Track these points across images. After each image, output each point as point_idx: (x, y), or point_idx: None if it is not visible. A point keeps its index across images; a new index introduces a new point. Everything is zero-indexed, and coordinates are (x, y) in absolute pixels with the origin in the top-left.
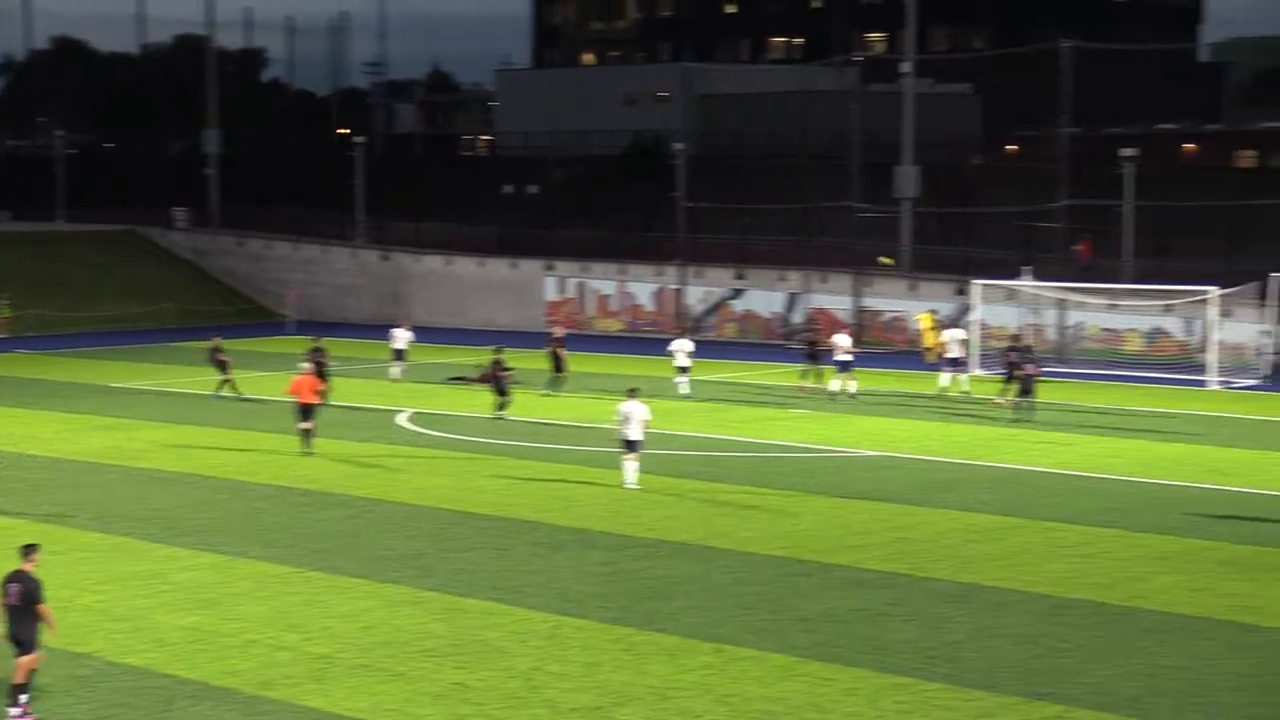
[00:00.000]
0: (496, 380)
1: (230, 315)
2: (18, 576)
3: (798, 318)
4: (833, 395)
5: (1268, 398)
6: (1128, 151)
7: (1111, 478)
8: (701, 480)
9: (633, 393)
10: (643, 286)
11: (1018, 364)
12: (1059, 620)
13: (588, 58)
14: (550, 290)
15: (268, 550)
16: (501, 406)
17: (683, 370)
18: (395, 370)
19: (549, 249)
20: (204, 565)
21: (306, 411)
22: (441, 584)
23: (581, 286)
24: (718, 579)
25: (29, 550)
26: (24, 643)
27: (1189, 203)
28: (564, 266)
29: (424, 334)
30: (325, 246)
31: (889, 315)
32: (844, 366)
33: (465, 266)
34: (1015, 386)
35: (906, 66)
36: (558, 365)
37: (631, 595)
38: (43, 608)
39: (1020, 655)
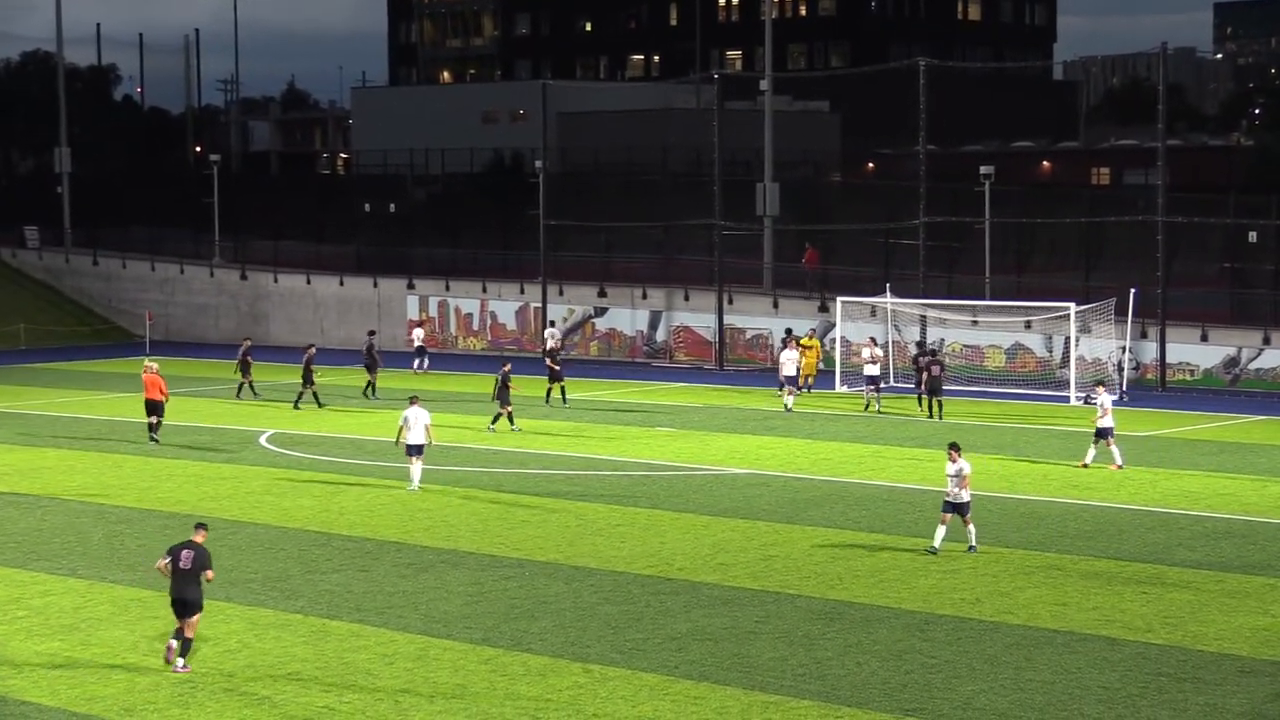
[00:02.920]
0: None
1: (86, 336)
2: (190, 545)
3: (661, 335)
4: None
5: (1127, 413)
6: (986, 169)
7: (977, 493)
8: (568, 499)
9: (414, 400)
10: (505, 305)
11: (925, 366)
12: (927, 636)
13: (445, 75)
14: (412, 309)
15: (129, 574)
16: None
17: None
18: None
19: (410, 268)
20: (63, 590)
21: (153, 408)
22: (307, 606)
23: (444, 305)
24: (586, 598)
25: (199, 527)
26: (191, 604)
27: (1046, 220)
28: (425, 285)
29: (284, 354)
30: (182, 266)
31: (752, 333)
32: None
33: (325, 285)
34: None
35: (765, 84)
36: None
37: (499, 615)
38: (209, 573)
39: (889, 672)
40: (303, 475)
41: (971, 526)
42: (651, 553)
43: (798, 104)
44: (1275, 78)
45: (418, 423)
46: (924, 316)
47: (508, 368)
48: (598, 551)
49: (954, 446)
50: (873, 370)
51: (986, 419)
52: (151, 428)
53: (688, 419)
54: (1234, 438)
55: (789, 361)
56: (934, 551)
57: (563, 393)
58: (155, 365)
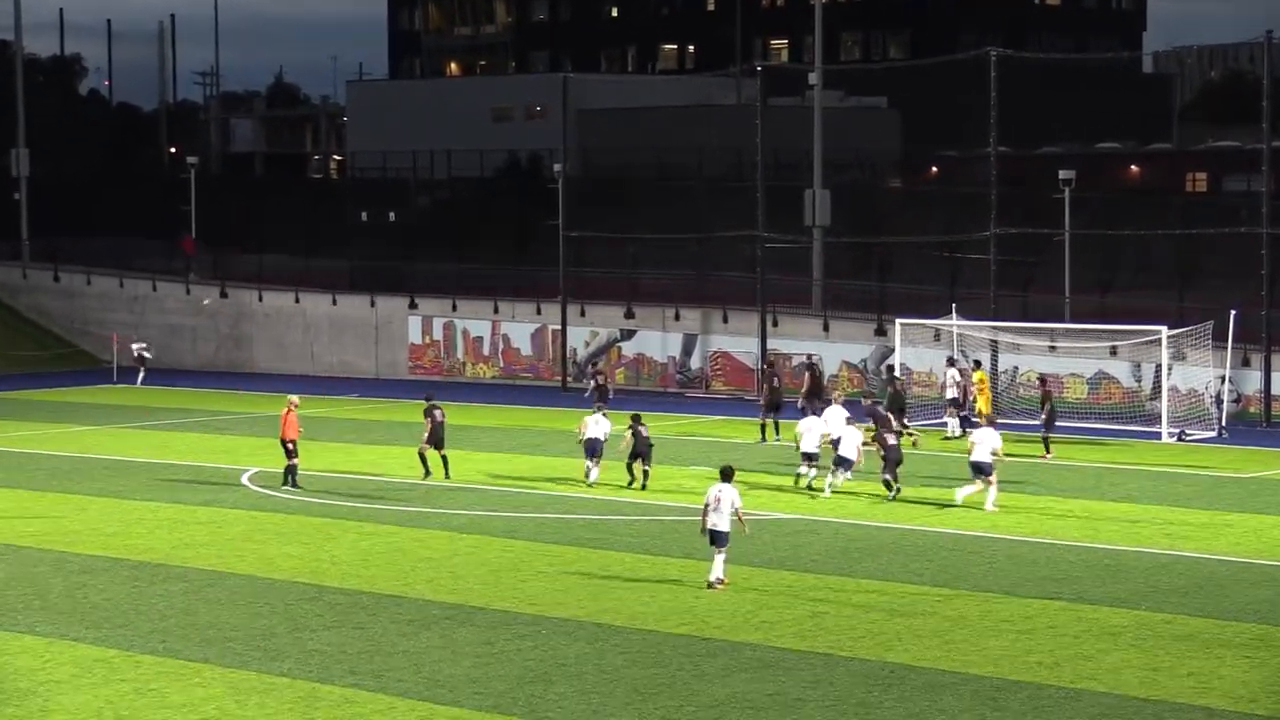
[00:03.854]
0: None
1: (45, 361)
2: None
3: (696, 362)
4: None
5: (1225, 451)
6: (1065, 174)
7: (1054, 542)
8: (590, 548)
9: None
10: (519, 327)
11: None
12: (999, 705)
13: (453, 68)
14: (414, 331)
15: (93, 631)
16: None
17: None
18: None
19: (412, 285)
20: (18, 650)
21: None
22: (293, 669)
23: (449, 327)
24: (610, 660)
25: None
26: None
27: (1134, 231)
28: (429, 304)
29: (268, 382)
30: (155, 282)
31: (799, 359)
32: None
33: (316, 304)
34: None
35: (815, 77)
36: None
37: (512, 679)
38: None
39: None
40: (290, 519)
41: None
42: (685, 609)
43: (851, 100)
44: None
45: (598, 426)
46: (995, 341)
47: (438, 412)
48: (623, 607)
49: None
50: (952, 394)
51: (1066, 457)
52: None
53: (726, 456)
54: None
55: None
56: None
57: (776, 428)
58: (297, 400)
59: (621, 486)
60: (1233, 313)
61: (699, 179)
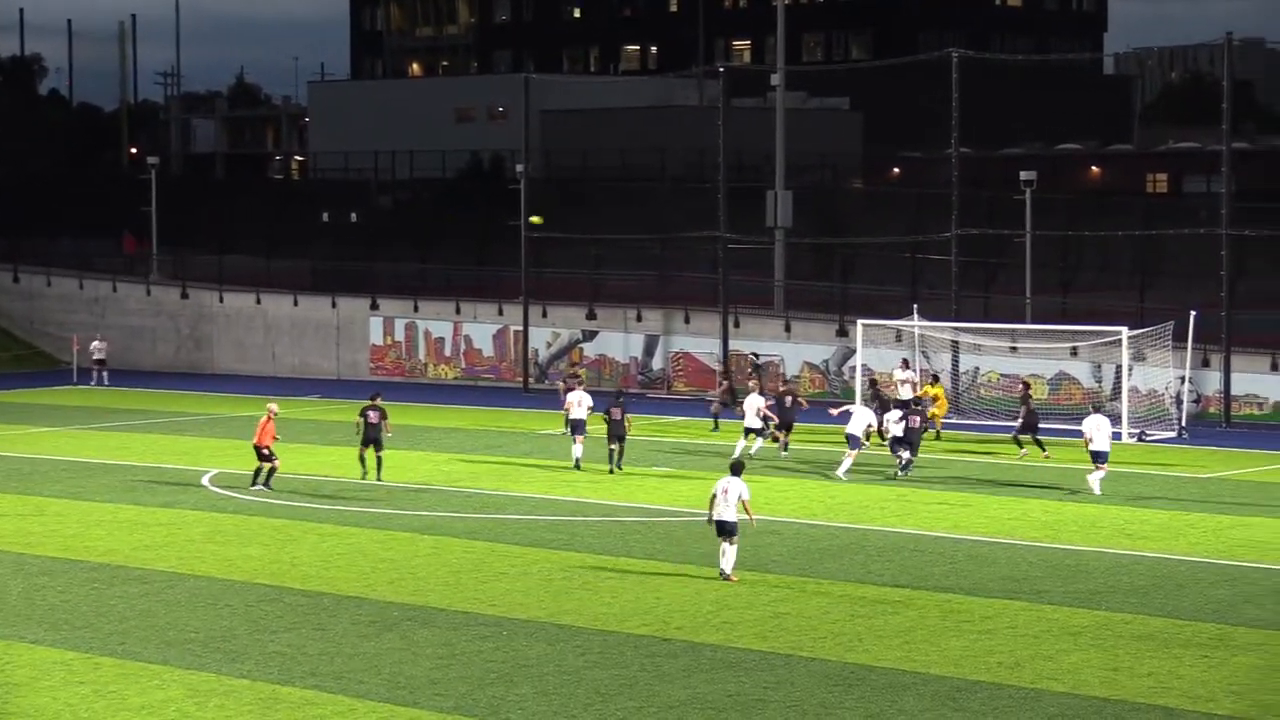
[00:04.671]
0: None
1: (5, 363)
2: None
3: (658, 363)
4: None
5: (1185, 451)
6: (1027, 175)
7: (1015, 543)
8: (551, 549)
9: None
10: (481, 328)
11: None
12: (959, 705)
13: (415, 68)
14: (375, 332)
15: (51, 633)
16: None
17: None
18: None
19: (373, 286)
20: None
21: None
22: (254, 670)
23: (411, 328)
24: (571, 661)
25: None
26: None
27: (1095, 232)
28: (391, 305)
29: (229, 383)
30: (115, 283)
31: (762, 359)
32: (578, 427)
33: (278, 305)
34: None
35: (777, 78)
36: None
37: (473, 681)
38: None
39: None
40: (251, 521)
41: None
42: (646, 610)
43: (813, 101)
44: None
45: (581, 404)
46: (956, 342)
47: (372, 413)
48: (585, 608)
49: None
50: (906, 395)
51: (1027, 457)
52: (267, 474)
53: (688, 458)
54: None
55: (905, 384)
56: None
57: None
58: (276, 408)
59: (598, 476)
60: (1193, 313)
61: (661, 180)
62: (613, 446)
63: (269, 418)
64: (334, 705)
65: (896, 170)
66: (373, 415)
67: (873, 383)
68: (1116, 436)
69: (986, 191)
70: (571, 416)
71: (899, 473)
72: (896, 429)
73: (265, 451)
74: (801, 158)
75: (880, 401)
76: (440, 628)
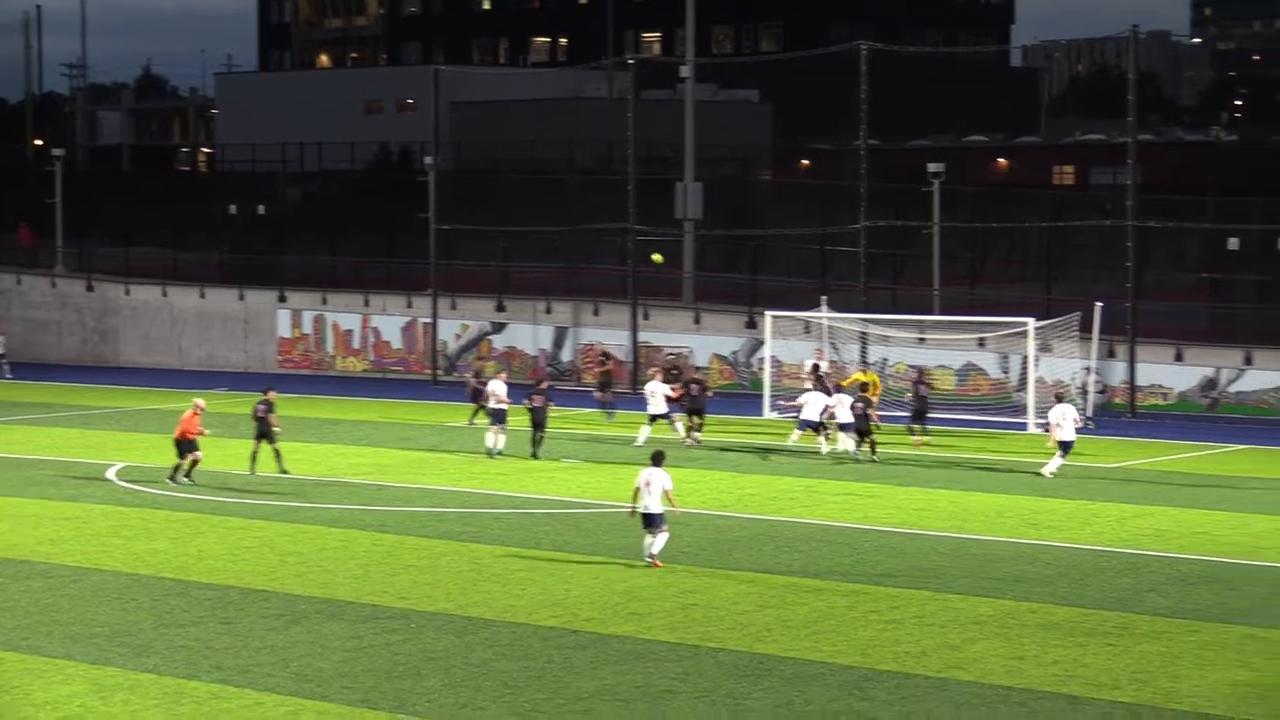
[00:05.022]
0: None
1: None
2: None
3: (567, 355)
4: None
5: (1091, 441)
6: (935, 167)
7: (922, 533)
8: (460, 541)
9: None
10: (390, 320)
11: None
12: (866, 695)
13: (323, 59)
14: (283, 325)
15: None
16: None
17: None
18: None
19: (281, 278)
20: None
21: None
22: (160, 665)
23: (319, 320)
24: (480, 654)
25: None
26: None
27: (1003, 224)
28: (299, 297)
29: (134, 376)
30: (19, 276)
31: (670, 352)
32: (498, 417)
33: (184, 298)
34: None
35: (687, 70)
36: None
37: (381, 674)
38: None
39: None
40: (157, 515)
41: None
42: (555, 601)
43: (723, 93)
44: (1259, 65)
45: (499, 394)
46: (865, 334)
47: (260, 406)
48: (494, 600)
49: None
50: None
51: (933, 448)
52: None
53: (597, 450)
54: (1211, 469)
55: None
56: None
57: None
58: (203, 404)
59: (507, 468)
60: (1098, 305)
61: (571, 172)
62: (536, 434)
63: (194, 411)
64: (241, 699)
65: (806, 162)
66: (260, 409)
67: (815, 367)
68: (1021, 426)
69: (895, 183)
70: (491, 406)
71: (856, 455)
72: (844, 414)
73: (187, 444)
74: (711, 150)
75: (824, 389)
76: (348, 620)
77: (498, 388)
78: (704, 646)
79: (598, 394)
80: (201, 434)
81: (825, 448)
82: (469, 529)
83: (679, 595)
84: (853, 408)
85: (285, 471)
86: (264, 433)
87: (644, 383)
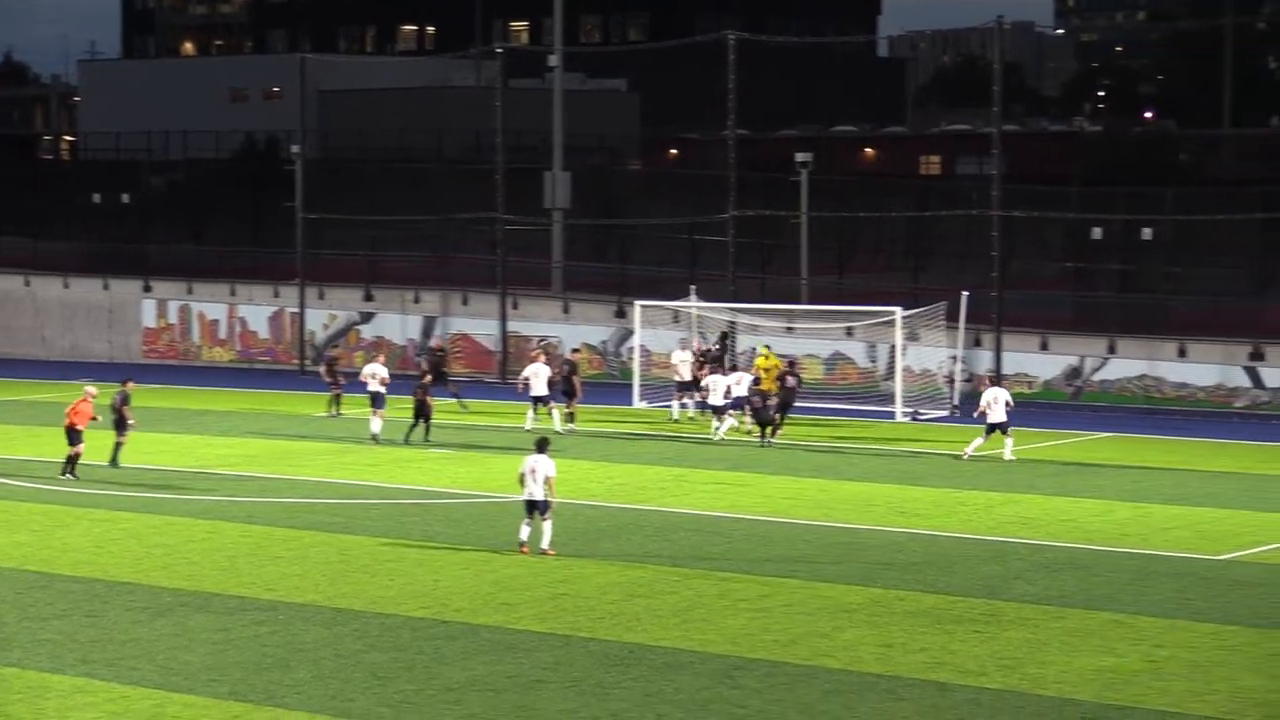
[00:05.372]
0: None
1: None
2: None
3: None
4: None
5: (958, 430)
6: (803, 156)
7: (791, 521)
8: (329, 532)
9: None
10: (256, 310)
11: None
12: (736, 683)
13: (188, 47)
14: (148, 314)
15: None
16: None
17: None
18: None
19: (146, 267)
20: None
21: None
22: (22, 659)
23: (185, 310)
24: (349, 645)
25: None
26: None
27: (870, 213)
28: (164, 287)
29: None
30: None
31: (539, 342)
32: (376, 400)
33: (47, 288)
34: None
35: (555, 59)
36: None
37: (249, 666)
38: None
39: None
40: (20, 507)
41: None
42: (424, 592)
43: (591, 83)
44: (1121, 57)
45: (376, 377)
46: (733, 323)
47: (126, 388)
48: (363, 591)
49: None
50: (686, 376)
51: (800, 437)
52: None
53: (466, 439)
54: (1076, 457)
55: (684, 364)
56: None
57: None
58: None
59: (377, 459)
60: (965, 294)
61: (438, 161)
62: (422, 422)
63: (85, 399)
64: (106, 693)
65: (674, 152)
66: (117, 400)
67: (722, 348)
68: (889, 415)
69: (763, 173)
70: (370, 389)
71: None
72: (739, 390)
73: (74, 434)
74: (579, 139)
75: (723, 369)
76: (215, 613)
77: (378, 370)
78: (574, 636)
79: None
80: (94, 419)
81: (721, 432)
82: (338, 520)
83: (549, 585)
84: (751, 400)
85: (115, 464)
86: (113, 421)
87: (518, 373)
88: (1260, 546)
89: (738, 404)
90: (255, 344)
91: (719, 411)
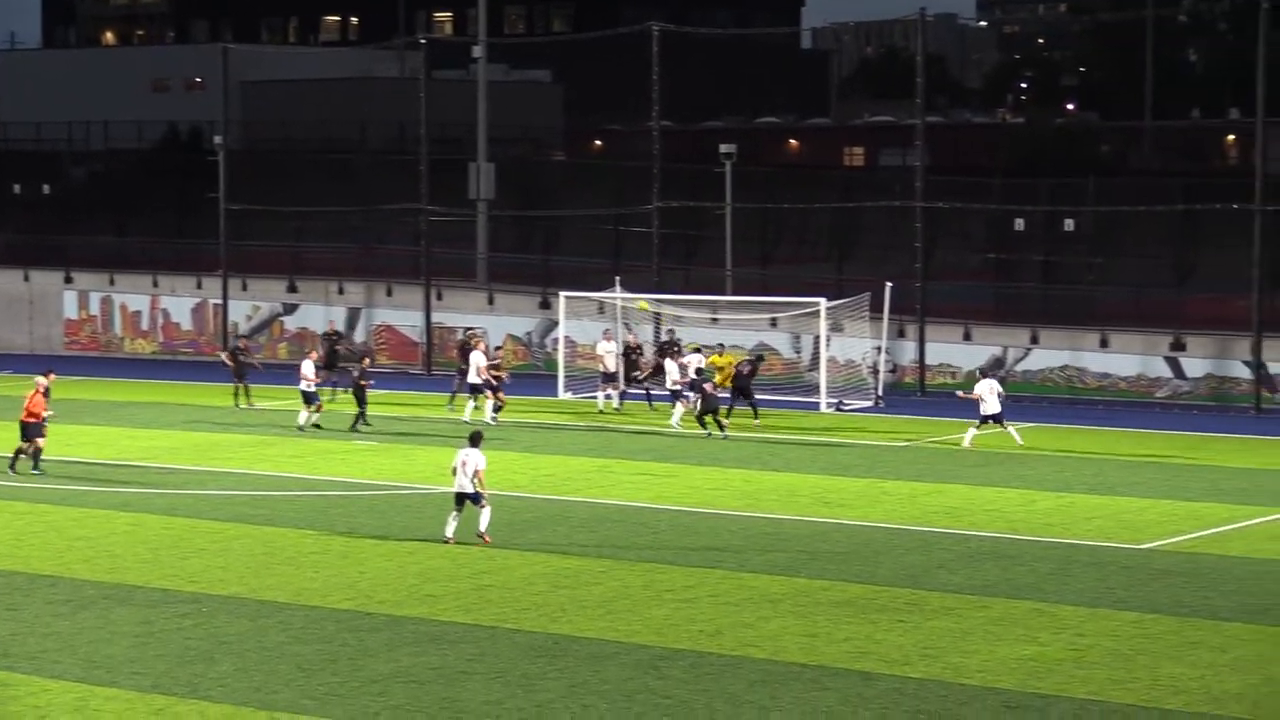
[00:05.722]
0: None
1: None
2: None
3: (360, 335)
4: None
5: (882, 420)
6: (727, 148)
7: (716, 512)
8: (252, 524)
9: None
10: (179, 301)
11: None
12: (661, 674)
13: (109, 37)
14: (70, 306)
15: None
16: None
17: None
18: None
19: (67, 259)
20: None
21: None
22: None
23: (107, 302)
24: (273, 637)
25: None
26: None
27: (794, 205)
28: (86, 279)
29: None
30: None
31: (464, 333)
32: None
33: None
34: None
35: (479, 50)
36: None
37: (172, 659)
38: None
39: (618, 715)
40: None
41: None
42: (349, 584)
43: (515, 74)
44: (1043, 49)
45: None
46: (658, 314)
47: (51, 377)
48: (287, 583)
49: None
50: (609, 369)
51: (726, 428)
52: (24, 453)
53: (390, 431)
54: (999, 447)
55: (608, 355)
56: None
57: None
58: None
59: (301, 449)
60: (888, 285)
61: (362, 152)
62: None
63: (38, 391)
64: (28, 686)
65: (599, 143)
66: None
67: (670, 335)
68: (813, 406)
69: (687, 164)
70: (301, 388)
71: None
72: (674, 372)
73: (33, 427)
74: (504, 130)
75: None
76: (138, 605)
77: (306, 369)
78: (499, 627)
79: (324, 372)
80: (51, 414)
81: (677, 418)
82: (261, 512)
83: (473, 576)
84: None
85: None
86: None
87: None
88: (1182, 535)
89: (692, 386)
90: (178, 336)
91: (677, 396)
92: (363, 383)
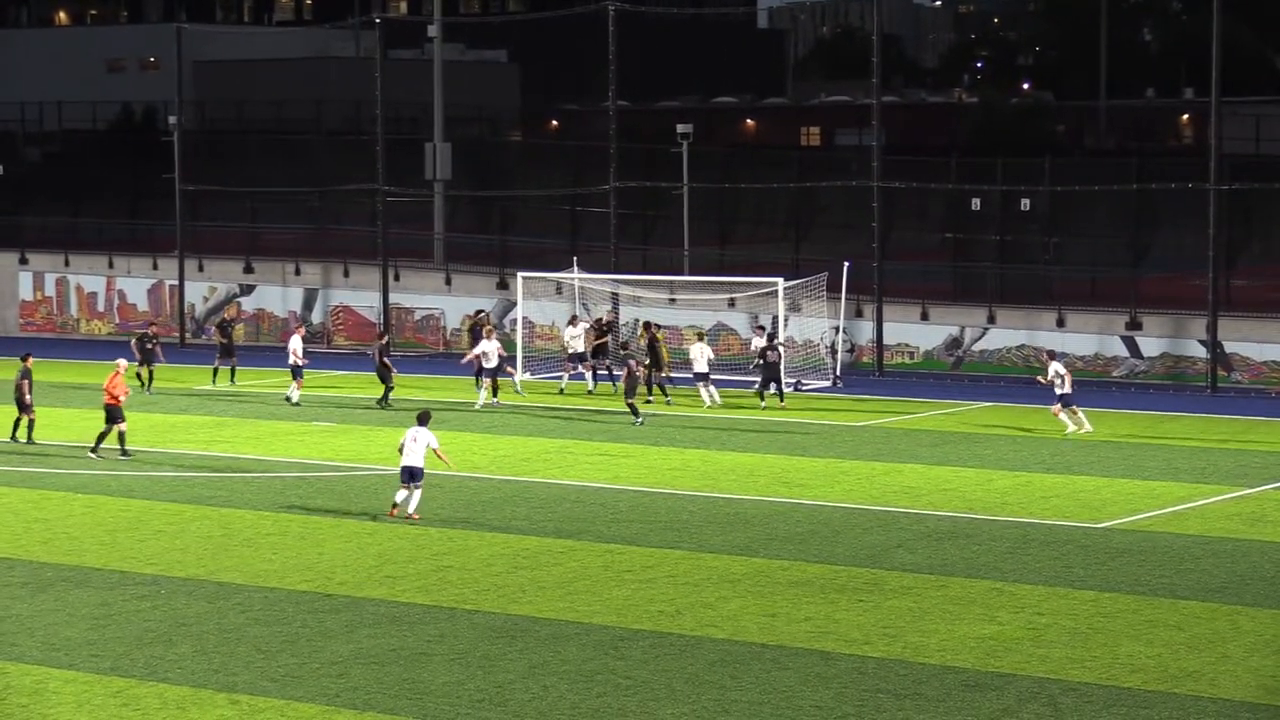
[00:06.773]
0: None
1: None
2: None
3: (317, 316)
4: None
5: (840, 400)
6: (683, 128)
7: (675, 492)
8: (210, 506)
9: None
10: (135, 283)
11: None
12: (621, 654)
13: (62, 17)
14: (25, 288)
15: None
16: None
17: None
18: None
19: (22, 240)
20: None
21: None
22: None
23: (62, 283)
24: (232, 619)
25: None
26: None
27: (751, 185)
28: (41, 260)
29: None
30: None
31: (422, 313)
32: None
33: None
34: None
35: (434, 30)
36: None
37: (130, 641)
38: None
39: (578, 695)
40: None
41: None
42: (308, 565)
43: (471, 53)
44: (999, 28)
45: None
46: (616, 294)
47: (29, 362)
48: (245, 565)
49: None
50: (576, 348)
51: (684, 408)
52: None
53: (348, 413)
54: (957, 427)
55: (575, 339)
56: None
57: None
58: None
59: (259, 430)
60: (846, 265)
61: (318, 132)
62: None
63: (117, 373)
64: None
65: (555, 123)
66: (16, 376)
67: (647, 325)
68: (796, 386)
69: (644, 145)
70: (290, 363)
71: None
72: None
73: (115, 411)
74: (460, 110)
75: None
76: (96, 588)
77: (296, 345)
78: (459, 609)
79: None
80: (127, 393)
81: (714, 397)
82: (219, 493)
83: (433, 558)
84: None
85: (27, 439)
86: (17, 399)
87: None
88: (1139, 514)
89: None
90: (134, 316)
91: (702, 379)
92: (385, 360)
